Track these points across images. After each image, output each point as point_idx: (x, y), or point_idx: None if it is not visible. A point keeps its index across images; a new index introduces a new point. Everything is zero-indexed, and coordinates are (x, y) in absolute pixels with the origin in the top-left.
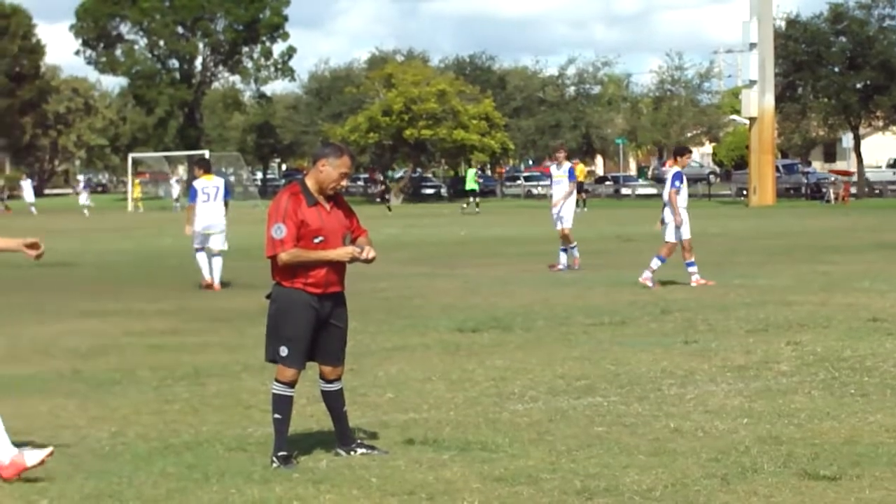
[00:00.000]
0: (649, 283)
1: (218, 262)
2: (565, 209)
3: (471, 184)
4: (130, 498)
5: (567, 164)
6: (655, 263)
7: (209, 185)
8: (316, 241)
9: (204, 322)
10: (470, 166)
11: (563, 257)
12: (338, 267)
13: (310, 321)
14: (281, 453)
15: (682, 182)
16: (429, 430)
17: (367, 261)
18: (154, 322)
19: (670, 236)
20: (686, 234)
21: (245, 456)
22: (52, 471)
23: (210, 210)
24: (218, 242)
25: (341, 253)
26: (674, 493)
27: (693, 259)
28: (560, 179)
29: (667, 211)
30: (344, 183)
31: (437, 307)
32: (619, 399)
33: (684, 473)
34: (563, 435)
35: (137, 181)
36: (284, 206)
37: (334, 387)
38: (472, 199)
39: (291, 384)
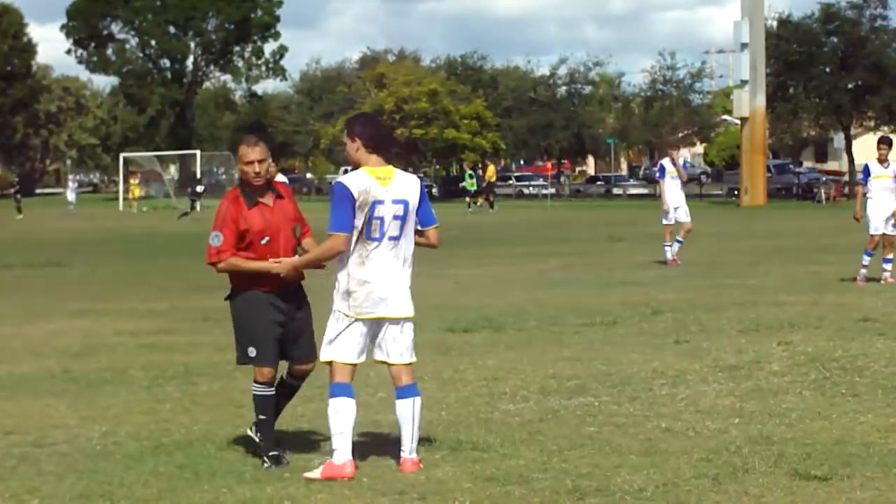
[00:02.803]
0: (861, 281)
1: None
2: (684, 204)
3: (469, 184)
4: (121, 497)
5: (683, 161)
6: (866, 260)
7: None
8: (263, 242)
9: (195, 322)
10: (464, 167)
11: (675, 248)
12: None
13: (272, 318)
14: (272, 454)
15: (869, 174)
16: (420, 429)
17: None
18: (145, 322)
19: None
20: (881, 228)
21: (236, 455)
22: (43, 470)
23: None
24: None
25: (279, 268)
26: (665, 492)
27: (890, 256)
28: (677, 175)
29: (869, 203)
30: (259, 170)
31: (429, 307)
32: (611, 399)
33: (675, 473)
34: (555, 435)
35: (136, 181)
36: (224, 213)
37: (298, 384)
38: (470, 199)
39: (269, 383)
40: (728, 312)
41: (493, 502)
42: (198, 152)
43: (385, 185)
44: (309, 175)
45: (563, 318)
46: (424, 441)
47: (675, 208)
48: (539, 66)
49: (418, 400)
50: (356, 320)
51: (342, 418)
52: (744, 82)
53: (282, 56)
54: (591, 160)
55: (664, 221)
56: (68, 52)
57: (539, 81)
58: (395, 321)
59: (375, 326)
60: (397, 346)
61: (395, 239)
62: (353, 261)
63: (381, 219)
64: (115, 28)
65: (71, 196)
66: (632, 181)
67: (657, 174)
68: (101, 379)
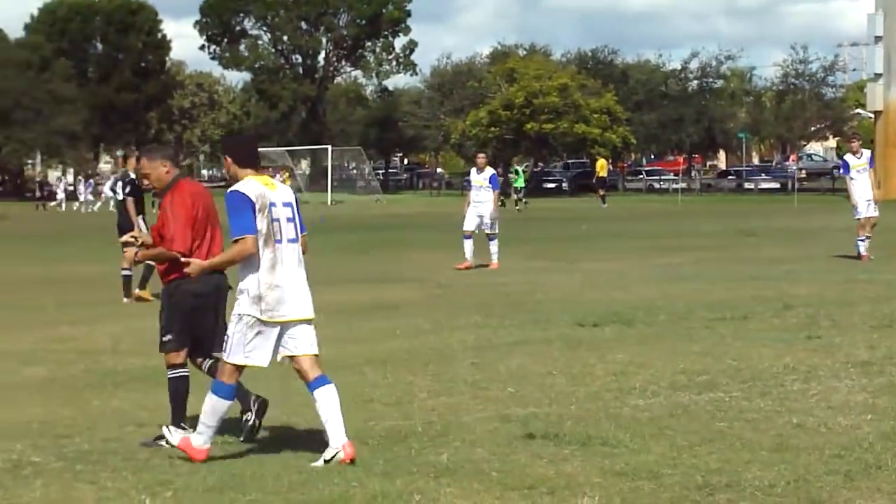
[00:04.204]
0: None
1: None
2: (873, 197)
3: (515, 181)
4: (253, 490)
5: (867, 153)
6: None
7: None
8: None
9: (326, 315)
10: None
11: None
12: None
13: None
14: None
15: None
16: (549, 424)
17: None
18: None
19: None
20: None
21: (366, 449)
22: (176, 463)
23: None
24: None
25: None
26: (796, 489)
27: None
28: (863, 168)
29: None
30: (146, 182)
31: (558, 301)
32: (741, 394)
33: (807, 469)
34: (685, 430)
35: (286, 175)
36: None
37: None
38: (517, 198)
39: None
40: (861, 307)
41: (623, 497)
42: (329, 147)
43: (273, 190)
44: (439, 170)
45: (694, 312)
46: (553, 436)
47: (867, 202)
48: (670, 59)
49: (333, 387)
50: (267, 323)
51: (216, 416)
52: (878, 75)
53: (412, 51)
54: (722, 154)
55: (856, 216)
56: (201, 48)
57: (670, 75)
58: (302, 322)
59: (282, 328)
60: (305, 339)
61: (293, 241)
62: (264, 265)
63: (279, 220)
64: (248, 24)
65: None
66: (763, 175)
67: (840, 170)
68: None
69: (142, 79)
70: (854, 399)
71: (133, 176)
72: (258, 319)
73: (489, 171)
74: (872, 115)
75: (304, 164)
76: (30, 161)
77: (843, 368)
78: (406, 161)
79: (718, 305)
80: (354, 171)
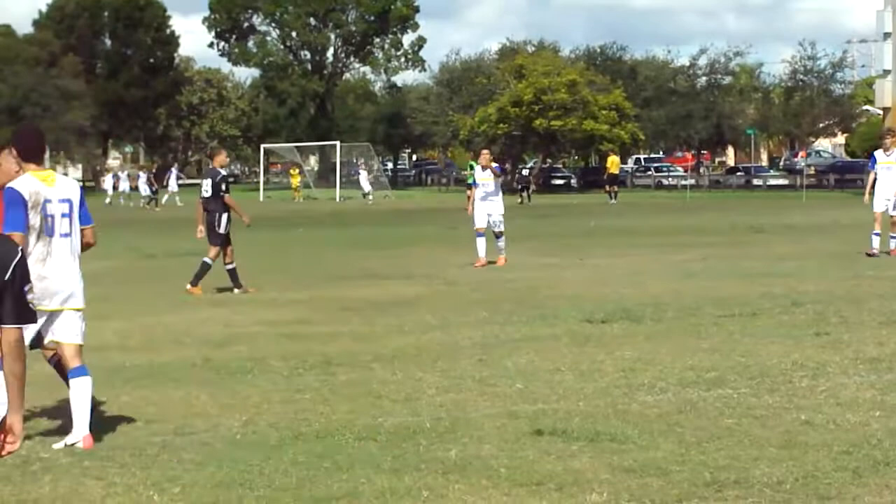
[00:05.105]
0: None
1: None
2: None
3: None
4: (261, 486)
5: None
6: None
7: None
8: None
9: (334, 311)
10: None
11: (893, 243)
12: None
13: None
14: None
15: None
16: (558, 420)
17: None
18: (285, 311)
19: None
20: None
21: (375, 445)
22: (185, 459)
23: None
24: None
25: None
26: (804, 485)
27: None
28: (890, 165)
29: None
30: None
31: (566, 298)
32: (750, 391)
33: (815, 466)
34: (693, 426)
35: (296, 171)
36: None
37: None
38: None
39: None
40: (869, 304)
41: (631, 494)
42: (337, 143)
43: (51, 186)
44: (454, 162)
45: (702, 309)
46: (561, 432)
47: (886, 199)
48: (679, 56)
49: (89, 380)
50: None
51: None
52: (886, 72)
53: (420, 47)
54: (730, 151)
55: (875, 210)
56: (210, 44)
57: (679, 72)
58: (68, 311)
59: (49, 316)
60: (70, 328)
61: (67, 235)
62: (35, 258)
63: (53, 216)
64: (256, 20)
65: (366, 185)
66: (772, 172)
67: (869, 165)
68: (242, 368)
69: (150, 75)
70: (863, 396)
71: (224, 172)
72: None
73: (493, 165)
74: (881, 112)
75: (313, 160)
76: None
77: (851, 365)
78: (415, 157)
79: (727, 302)
80: (363, 168)
